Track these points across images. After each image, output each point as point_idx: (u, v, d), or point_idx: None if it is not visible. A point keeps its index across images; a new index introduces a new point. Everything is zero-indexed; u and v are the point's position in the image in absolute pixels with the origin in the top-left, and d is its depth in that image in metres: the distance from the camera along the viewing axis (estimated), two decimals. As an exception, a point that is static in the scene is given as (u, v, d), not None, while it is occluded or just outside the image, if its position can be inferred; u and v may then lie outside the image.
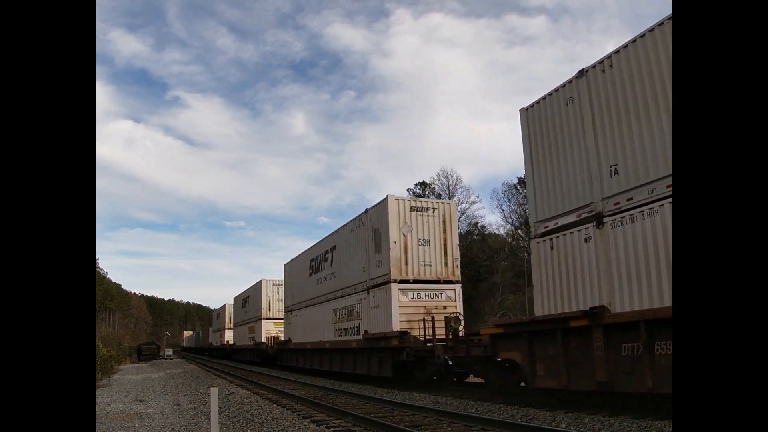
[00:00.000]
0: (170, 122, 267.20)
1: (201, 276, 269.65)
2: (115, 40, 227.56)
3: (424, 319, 13.98)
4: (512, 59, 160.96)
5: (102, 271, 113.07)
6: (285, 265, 26.65)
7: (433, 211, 15.60)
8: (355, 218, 17.83)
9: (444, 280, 15.28)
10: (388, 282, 14.84)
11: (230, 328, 43.40)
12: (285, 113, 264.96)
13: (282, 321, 28.01)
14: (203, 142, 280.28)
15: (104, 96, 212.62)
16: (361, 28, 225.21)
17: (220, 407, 10.19)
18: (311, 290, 21.81)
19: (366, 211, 16.90)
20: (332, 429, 8.15)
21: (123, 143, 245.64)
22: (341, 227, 19.22)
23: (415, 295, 14.91)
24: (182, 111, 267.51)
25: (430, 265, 15.20)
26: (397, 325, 14.27)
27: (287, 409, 10.63)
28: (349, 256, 17.89)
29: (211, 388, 7.20)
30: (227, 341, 43.77)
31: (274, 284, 31.37)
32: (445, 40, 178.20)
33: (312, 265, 22.20)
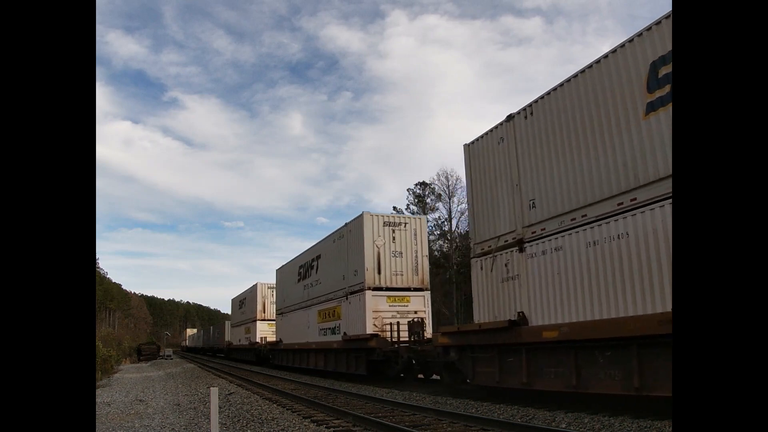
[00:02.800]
0: (168, 123, 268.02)
1: (200, 276, 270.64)
2: (113, 42, 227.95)
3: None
4: (508, 60, 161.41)
5: (102, 271, 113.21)
6: (467, 145, 11.78)
7: None
8: None
9: None
10: None
11: (265, 320, 31.75)
12: (282, 114, 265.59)
13: (408, 296, 16.66)
14: (201, 142, 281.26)
15: (102, 97, 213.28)
16: (357, 30, 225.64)
17: (220, 407, 10.19)
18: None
19: None
20: (332, 429, 8.14)
21: (121, 144, 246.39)
22: None
23: None
24: (180, 112, 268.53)
25: None
26: None
27: (287, 409, 10.63)
28: None
29: (211, 388, 7.19)
30: (261, 338, 30.82)
31: (385, 222, 17.02)
32: (440, 42, 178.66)
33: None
